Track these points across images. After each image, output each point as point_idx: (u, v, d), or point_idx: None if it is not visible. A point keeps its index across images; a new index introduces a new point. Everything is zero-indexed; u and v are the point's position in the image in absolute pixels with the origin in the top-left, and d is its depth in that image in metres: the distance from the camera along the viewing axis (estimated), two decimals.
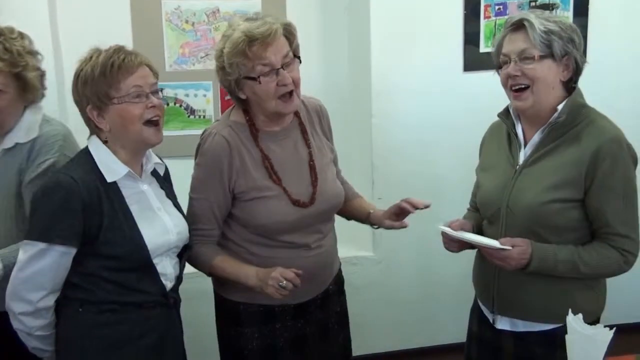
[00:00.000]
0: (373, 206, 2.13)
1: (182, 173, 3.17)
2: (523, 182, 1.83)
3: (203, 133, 1.95)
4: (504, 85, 1.86)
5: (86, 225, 1.66)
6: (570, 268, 1.77)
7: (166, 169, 1.96)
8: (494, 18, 3.19)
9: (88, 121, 1.75)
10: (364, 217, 2.10)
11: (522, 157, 1.87)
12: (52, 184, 1.68)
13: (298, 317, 1.99)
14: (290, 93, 1.82)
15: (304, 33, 2.08)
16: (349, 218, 2.18)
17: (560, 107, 1.80)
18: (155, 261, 1.76)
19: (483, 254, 1.84)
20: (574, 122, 1.80)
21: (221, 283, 2.02)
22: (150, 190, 1.82)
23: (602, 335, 1.52)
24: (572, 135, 1.80)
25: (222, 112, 3.26)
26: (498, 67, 1.89)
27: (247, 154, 1.89)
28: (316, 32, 3.25)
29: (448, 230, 1.86)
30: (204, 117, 3.26)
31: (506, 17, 3.16)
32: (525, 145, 1.88)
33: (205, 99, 3.25)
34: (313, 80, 2.99)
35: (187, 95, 3.22)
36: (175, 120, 3.22)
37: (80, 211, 1.64)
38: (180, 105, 3.23)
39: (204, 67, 3.21)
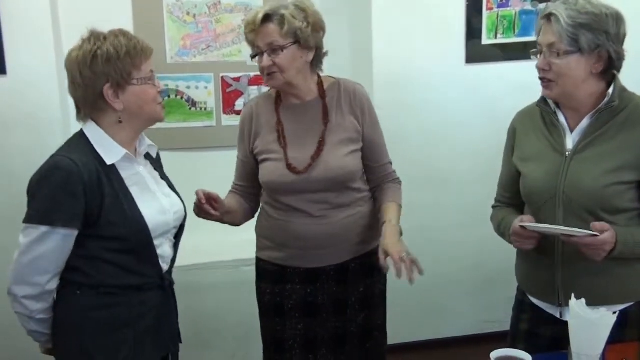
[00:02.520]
0: (391, 218, 2.07)
1: (184, 165, 3.21)
2: (578, 167, 1.82)
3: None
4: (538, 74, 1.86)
5: (87, 207, 1.66)
6: None
7: (157, 152, 1.98)
8: (496, 10, 3.18)
9: (96, 101, 1.73)
10: (380, 226, 2.09)
11: (570, 144, 1.86)
12: (50, 167, 1.68)
13: (308, 283, 2.12)
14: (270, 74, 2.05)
15: None
16: None
17: (610, 91, 1.79)
18: (155, 243, 1.77)
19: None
20: (621, 106, 1.80)
21: (257, 241, 2.25)
22: (145, 171, 1.84)
23: (605, 320, 1.52)
24: (621, 119, 1.80)
25: (223, 104, 3.27)
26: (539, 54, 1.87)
27: (266, 119, 2.13)
28: None
29: (532, 224, 1.80)
30: (205, 109, 3.25)
31: (509, 9, 3.17)
32: (571, 132, 1.87)
33: (206, 91, 3.24)
34: None
35: (188, 87, 3.22)
36: (176, 113, 3.22)
37: (81, 193, 1.64)
38: (182, 98, 3.22)
39: (206, 59, 3.21)
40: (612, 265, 1.79)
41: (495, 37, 3.20)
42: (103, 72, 1.70)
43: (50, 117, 2.85)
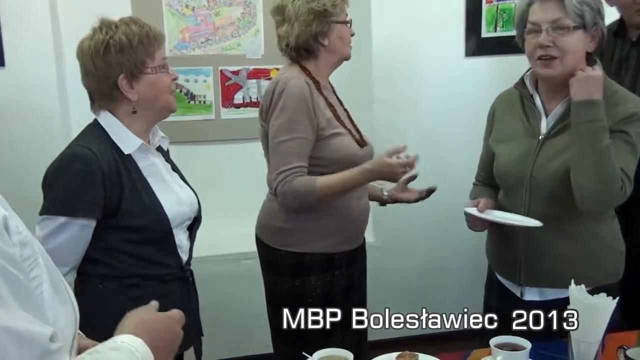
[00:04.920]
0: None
1: (183, 159, 3.20)
2: (548, 152, 1.83)
3: (276, 83, 2.02)
4: (530, 54, 1.83)
5: (107, 197, 1.63)
6: (591, 137, 1.72)
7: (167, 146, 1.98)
8: (495, 3, 3.17)
9: (111, 92, 1.70)
10: (379, 194, 2.28)
11: (543, 128, 1.86)
12: (68, 156, 1.65)
13: (351, 264, 2.18)
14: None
15: None
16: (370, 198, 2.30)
17: None
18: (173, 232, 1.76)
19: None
20: None
21: (284, 237, 2.11)
22: (160, 162, 1.82)
23: (605, 305, 1.51)
24: None
25: (222, 98, 3.26)
26: (520, 36, 1.87)
27: (317, 98, 2.07)
28: None
29: (474, 212, 1.89)
30: (204, 102, 3.25)
31: (508, 2, 3.17)
32: (546, 116, 1.87)
33: (205, 84, 3.24)
34: None
35: (187, 80, 3.21)
36: None
37: (100, 182, 1.62)
38: (181, 91, 3.21)
39: (205, 53, 3.20)
40: (569, 248, 1.83)
41: (495, 30, 3.20)
42: (117, 63, 1.67)
43: (48, 108, 2.85)
